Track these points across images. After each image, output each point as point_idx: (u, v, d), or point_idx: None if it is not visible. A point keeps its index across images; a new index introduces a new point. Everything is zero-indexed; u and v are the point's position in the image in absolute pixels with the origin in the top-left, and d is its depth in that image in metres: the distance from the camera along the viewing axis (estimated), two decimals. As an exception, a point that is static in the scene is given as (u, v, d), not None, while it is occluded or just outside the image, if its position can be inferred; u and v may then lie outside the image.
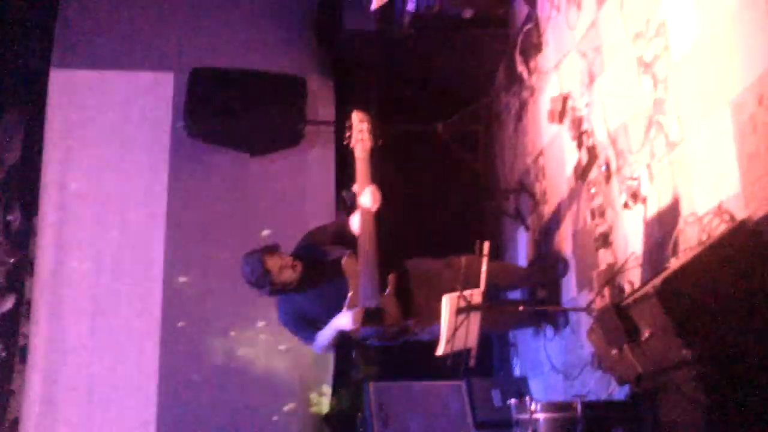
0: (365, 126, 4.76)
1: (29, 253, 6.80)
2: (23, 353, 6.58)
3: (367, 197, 4.70)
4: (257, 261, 4.64)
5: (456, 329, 4.21)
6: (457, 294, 4.17)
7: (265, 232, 6.82)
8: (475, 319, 4.29)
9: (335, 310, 4.72)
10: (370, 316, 4.63)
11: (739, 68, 3.49)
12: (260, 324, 6.65)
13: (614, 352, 3.54)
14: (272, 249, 4.71)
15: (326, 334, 4.76)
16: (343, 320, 4.65)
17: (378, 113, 6.94)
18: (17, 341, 6.60)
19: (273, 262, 4.65)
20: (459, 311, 4.20)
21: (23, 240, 6.84)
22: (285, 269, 4.67)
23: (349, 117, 4.81)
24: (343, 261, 4.73)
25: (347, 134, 4.78)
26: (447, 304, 4.17)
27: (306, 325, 4.86)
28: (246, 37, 7.42)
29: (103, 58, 7.23)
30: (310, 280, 4.77)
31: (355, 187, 4.79)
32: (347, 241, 4.77)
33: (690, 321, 3.08)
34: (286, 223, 6.79)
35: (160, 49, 7.31)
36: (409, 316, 4.75)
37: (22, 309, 6.68)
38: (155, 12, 7.41)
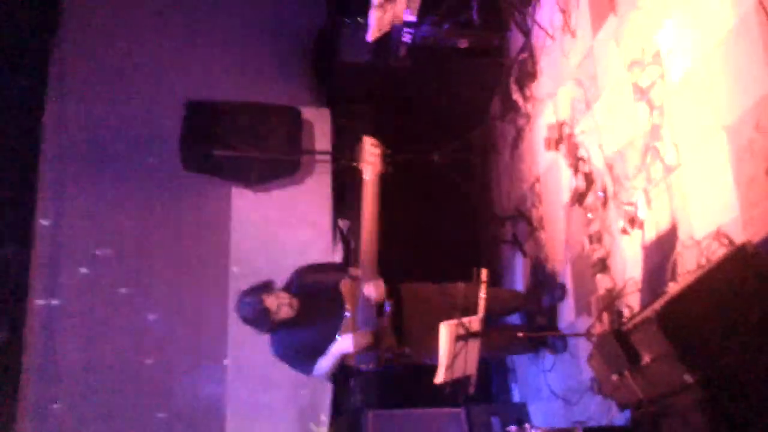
0: (377, 151, 4.72)
1: (23, 286, 6.76)
2: (16, 386, 6.53)
3: (372, 292, 4.67)
4: (256, 301, 4.64)
5: (455, 357, 4.21)
6: (455, 322, 4.17)
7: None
8: (474, 346, 4.29)
9: (332, 335, 4.73)
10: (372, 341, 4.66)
11: (734, 94, 3.53)
12: (257, 355, 6.61)
13: (615, 377, 3.53)
14: (269, 287, 4.70)
15: (327, 361, 4.75)
16: (344, 344, 4.65)
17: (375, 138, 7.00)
18: (10, 375, 6.55)
19: (271, 301, 4.65)
20: (458, 339, 4.20)
21: (18, 273, 6.80)
22: (282, 307, 4.67)
23: (360, 141, 4.77)
24: (341, 284, 4.74)
25: (357, 157, 4.74)
26: (446, 331, 4.17)
27: (306, 356, 4.84)
28: (242, 69, 7.43)
29: (98, 91, 7.22)
30: (307, 312, 4.76)
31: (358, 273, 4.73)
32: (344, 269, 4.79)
33: (691, 345, 3.07)
34: (284, 253, 6.79)
35: (155, 82, 7.31)
36: (402, 342, 4.76)
37: (15, 343, 6.63)
38: (149, 46, 7.40)
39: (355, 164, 4.72)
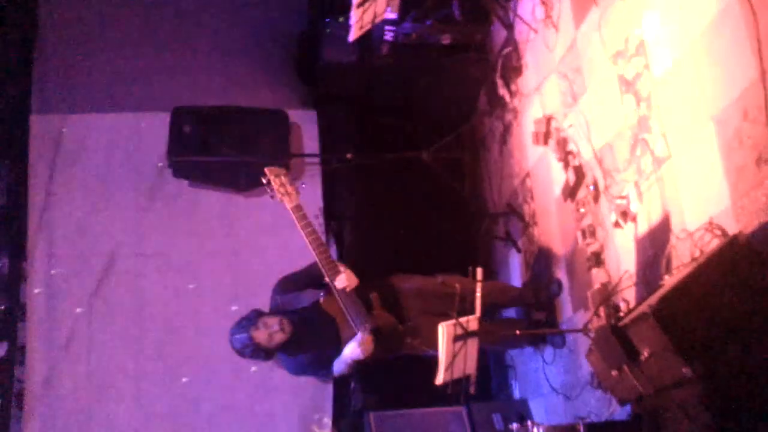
0: (282, 179, 4.80)
1: (20, 298, 6.73)
2: (19, 399, 6.51)
3: (343, 282, 4.73)
4: (247, 338, 4.66)
5: (454, 357, 4.22)
6: (453, 322, 4.18)
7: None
8: (473, 345, 4.30)
9: (334, 348, 4.79)
10: (376, 337, 4.68)
11: (721, 83, 3.52)
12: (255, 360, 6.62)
13: (614, 372, 3.53)
14: (256, 320, 4.70)
15: (340, 367, 4.82)
16: (353, 352, 4.68)
17: (362, 142, 7.00)
18: (12, 387, 6.54)
19: (261, 334, 4.66)
20: (456, 339, 4.21)
21: (13, 285, 6.78)
22: (275, 335, 4.67)
23: (264, 174, 4.83)
24: (322, 302, 4.79)
25: (270, 191, 4.81)
26: (444, 332, 4.18)
27: (318, 367, 4.91)
28: (227, 74, 7.41)
29: (83, 102, 7.19)
30: (301, 331, 4.77)
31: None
32: (320, 282, 4.80)
33: (688, 339, 3.07)
34: (275, 257, 6.79)
35: (140, 90, 7.27)
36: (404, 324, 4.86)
37: (16, 355, 6.61)
38: (134, 53, 7.39)
39: (272, 197, 4.82)
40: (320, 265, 4.70)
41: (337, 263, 4.77)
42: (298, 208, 4.78)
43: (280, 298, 4.90)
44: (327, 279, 4.71)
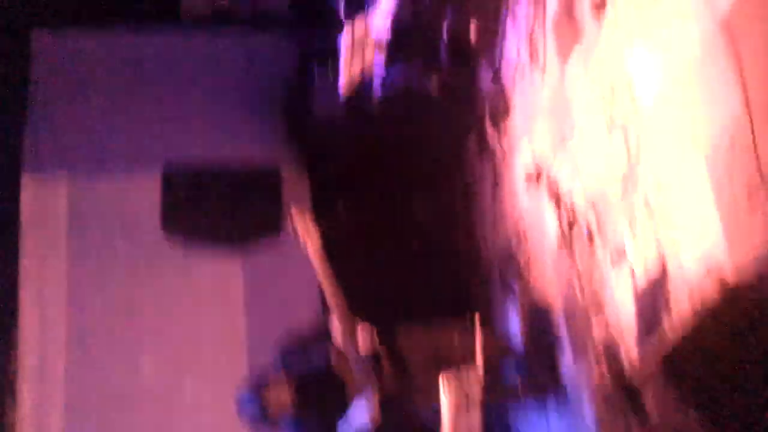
0: (306, 223, 4.74)
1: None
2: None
3: (367, 341, 4.72)
4: (257, 408, 4.70)
5: (458, 413, 4.19)
6: (454, 374, 4.14)
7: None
8: (476, 414, 4.26)
9: (340, 413, 4.74)
10: (382, 405, 4.61)
11: (709, 117, 3.43)
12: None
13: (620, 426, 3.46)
14: (265, 389, 4.70)
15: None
16: (362, 419, 4.61)
17: (354, 193, 7.03)
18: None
19: (271, 402, 4.72)
20: (459, 393, 4.18)
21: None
22: (284, 403, 4.72)
23: (289, 216, 4.78)
24: (333, 360, 4.72)
25: (292, 231, 4.75)
26: (446, 385, 4.14)
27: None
28: (217, 130, 7.52)
29: (73, 163, 7.29)
30: (307, 399, 4.73)
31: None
32: (322, 339, 4.76)
33: (697, 392, 3.02)
34: (273, 316, 6.78)
35: (129, 144, 7.34)
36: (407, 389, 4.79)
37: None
38: (123, 111, 7.46)
39: (295, 238, 4.84)
40: (337, 319, 4.64)
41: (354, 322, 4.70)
42: (316, 255, 4.67)
43: (286, 359, 4.86)
44: (341, 337, 4.64)
